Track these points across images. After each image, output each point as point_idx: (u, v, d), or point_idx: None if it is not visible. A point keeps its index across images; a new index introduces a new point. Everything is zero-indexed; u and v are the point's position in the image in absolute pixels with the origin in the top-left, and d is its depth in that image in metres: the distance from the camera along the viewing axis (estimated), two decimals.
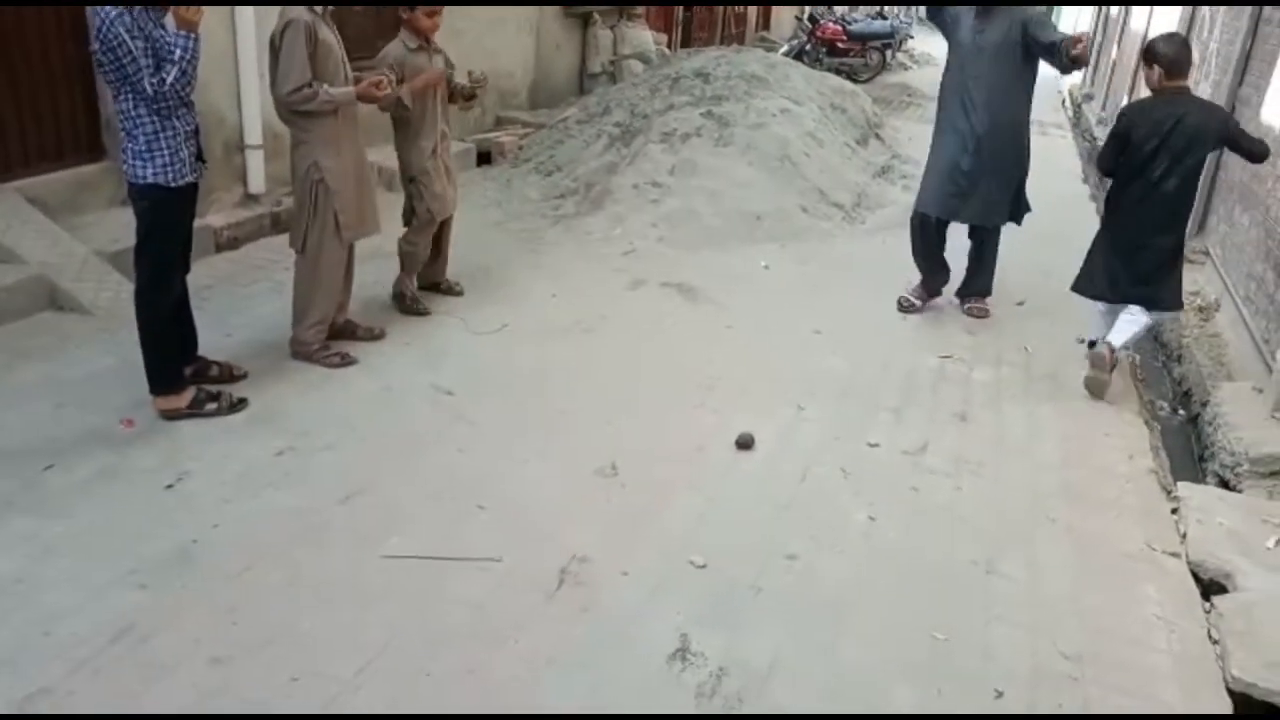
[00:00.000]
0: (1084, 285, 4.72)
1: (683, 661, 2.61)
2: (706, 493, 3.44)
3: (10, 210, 4.73)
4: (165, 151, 3.41)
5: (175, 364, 3.70)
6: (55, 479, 3.19)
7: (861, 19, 18.21)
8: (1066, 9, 27.92)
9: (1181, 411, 4.99)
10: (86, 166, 5.32)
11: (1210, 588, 3.18)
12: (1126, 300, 4.56)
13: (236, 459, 3.41)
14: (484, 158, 8.18)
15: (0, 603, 2.60)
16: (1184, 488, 3.73)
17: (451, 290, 5.16)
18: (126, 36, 3.18)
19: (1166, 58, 4.33)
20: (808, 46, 16.01)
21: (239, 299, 4.90)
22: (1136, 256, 4.48)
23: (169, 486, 3.21)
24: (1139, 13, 13.07)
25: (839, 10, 20.67)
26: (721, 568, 3.02)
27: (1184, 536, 3.40)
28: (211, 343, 4.14)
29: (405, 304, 4.88)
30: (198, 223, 5.45)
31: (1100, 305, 4.75)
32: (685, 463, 3.63)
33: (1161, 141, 4.26)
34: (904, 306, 5.39)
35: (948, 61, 5.20)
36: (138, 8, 3.23)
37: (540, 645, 2.63)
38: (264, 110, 6.13)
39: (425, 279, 5.11)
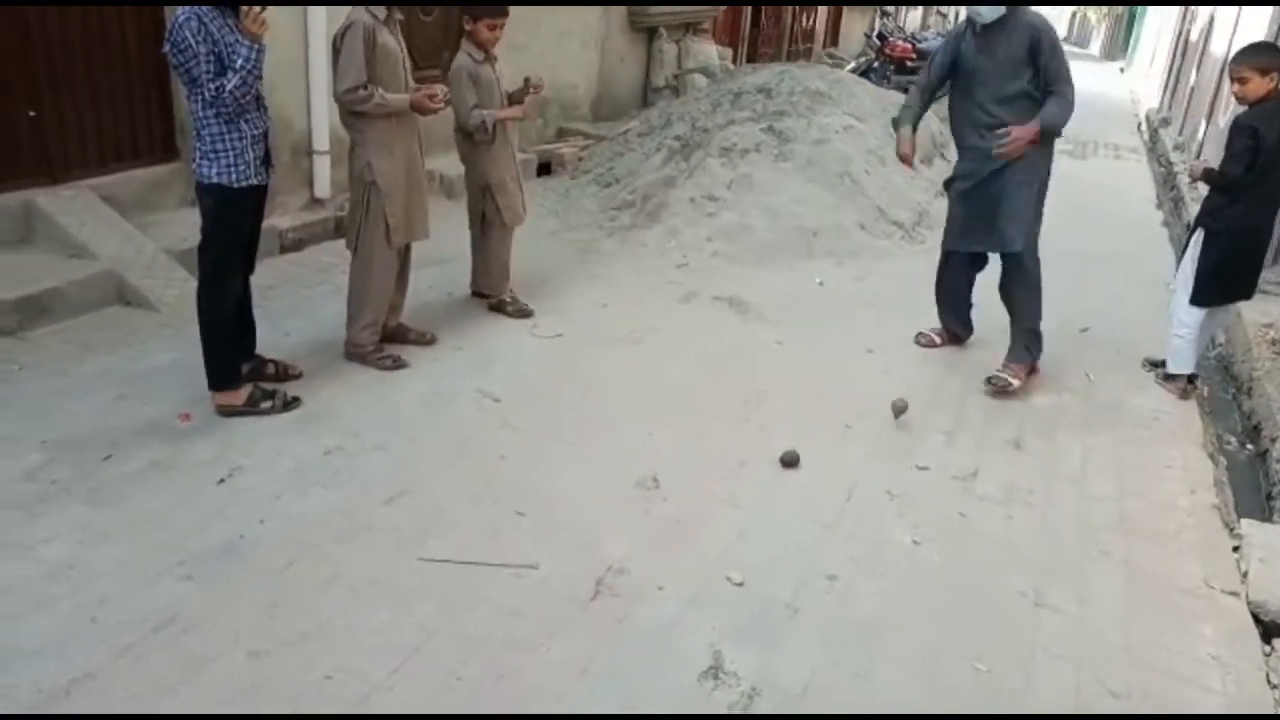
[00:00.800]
0: (1217, 295, 4.63)
1: (715, 679, 2.59)
2: (747, 509, 3.41)
3: (85, 208, 4.90)
4: (230, 153, 3.50)
5: (233, 361, 3.79)
6: (112, 469, 3.29)
7: (931, 37, 17.99)
8: (1148, 25, 27.30)
9: (1250, 446, 4.80)
10: (160, 167, 5.50)
11: (1271, 630, 3.05)
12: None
13: (287, 456, 3.48)
14: (544, 168, 8.26)
15: (51, 588, 2.68)
16: (1247, 525, 3.58)
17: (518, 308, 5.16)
18: (193, 40, 3.28)
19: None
20: (876, 64, 15.86)
21: (299, 300, 5.01)
22: (1262, 252, 4.66)
23: (221, 481, 3.29)
24: (1220, 36, 12.70)
25: (909, 27, 20.48)
26: (759, 586, 2.99)
27: (1245, 575, 3.27)
28: (270, 342, 4.23)
29: (508, 310, 4.99)
30: (264, 224, 5.63)
31: (1189, 327, 4.65)
32: (727, 478, 3.60)
33: None
34: (921, 342, 5.10)
35: (951, 89, 4.72)
36: (213, 11, 3.33)
37: (572, 655, 2.63)
38: (331, 117, 6.26)
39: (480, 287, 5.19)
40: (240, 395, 3.73)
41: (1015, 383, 4.53)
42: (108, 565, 2.80)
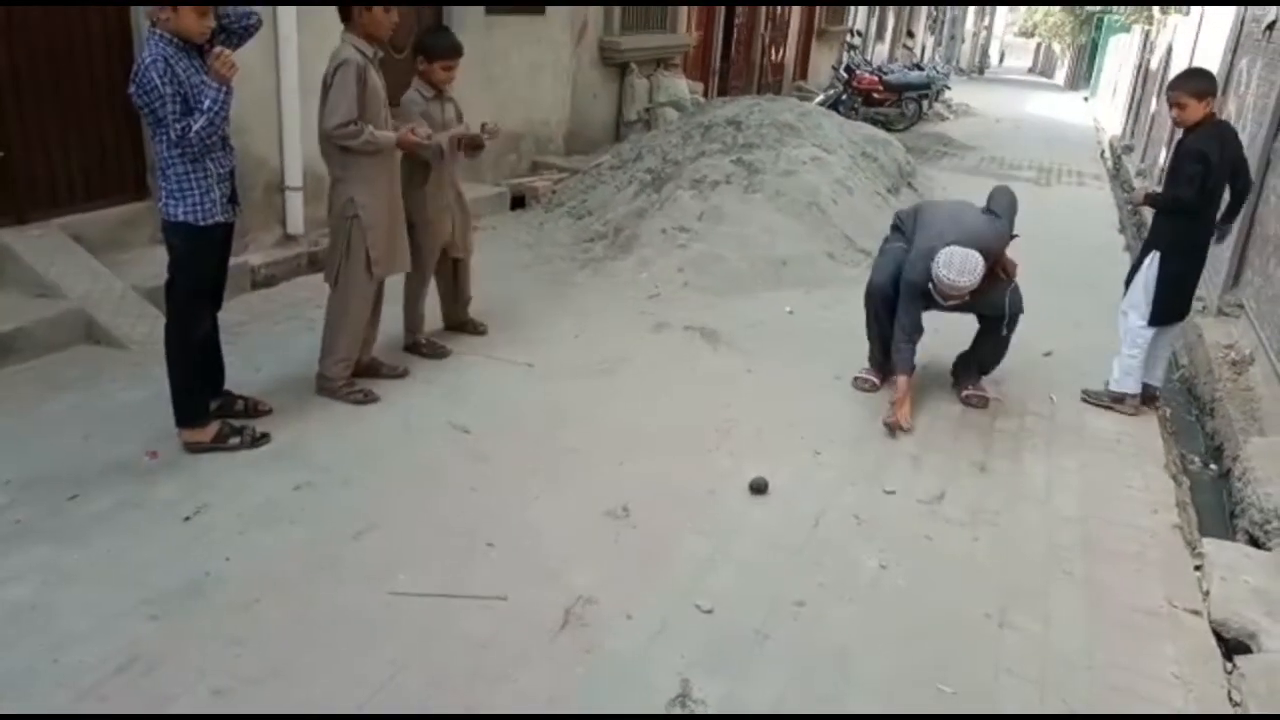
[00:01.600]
0: (1173, 314, 4.77)
1: (682, 707, 2.60)
2: (716, 537, 3.43)
3: (55, 246, 4.90)
4: (196, 191, 3.52)
5: (201, 398, 3.79)
6: (77, 508, 3.27)
7: (898, 69, 18.32)
8: (1110, 55, 27.89)
9: (1213, 466, 4.88)
10: (130, 205, 5.49)
11: (1233, 648, 3.09)
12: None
13: (255, 492, 3.47)
14: (518, 201, 8.31)
15: (13, 628, 2.66)
16: (1209, 544, 3.64)
17: (476, 330, 5.23)
18: (159, 81, 3.29)
19: (1214, 85, 4.63)
20: (844, 96, 16.13)
21: (271, 336, 5.01)
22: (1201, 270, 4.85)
23: (187, 519, 3.27)
24: (1178, 65, 13.01)
25: (875, 60, 20.83)
26: (728, 613, 3.00)
27: (1207, 594, 3.32)
28: (240, 378, 4.23)
29: (420, 350, 4.91)
30: (236, 260, 5.62)
31: (1141, 348, 4.75)
32: (697, 506, 3.62)
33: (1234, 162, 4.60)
34: (862, 386, 4.89)
35: None
36: (179, 52, 3.36)
37: (540, 685, 2.63)
38: (305, 153, 6.30)
39: (449, 319, 5.22)
40: (208, 432, 3.72)
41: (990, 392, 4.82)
42: (71, 605, 2.78)
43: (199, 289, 3.70)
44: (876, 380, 4.89)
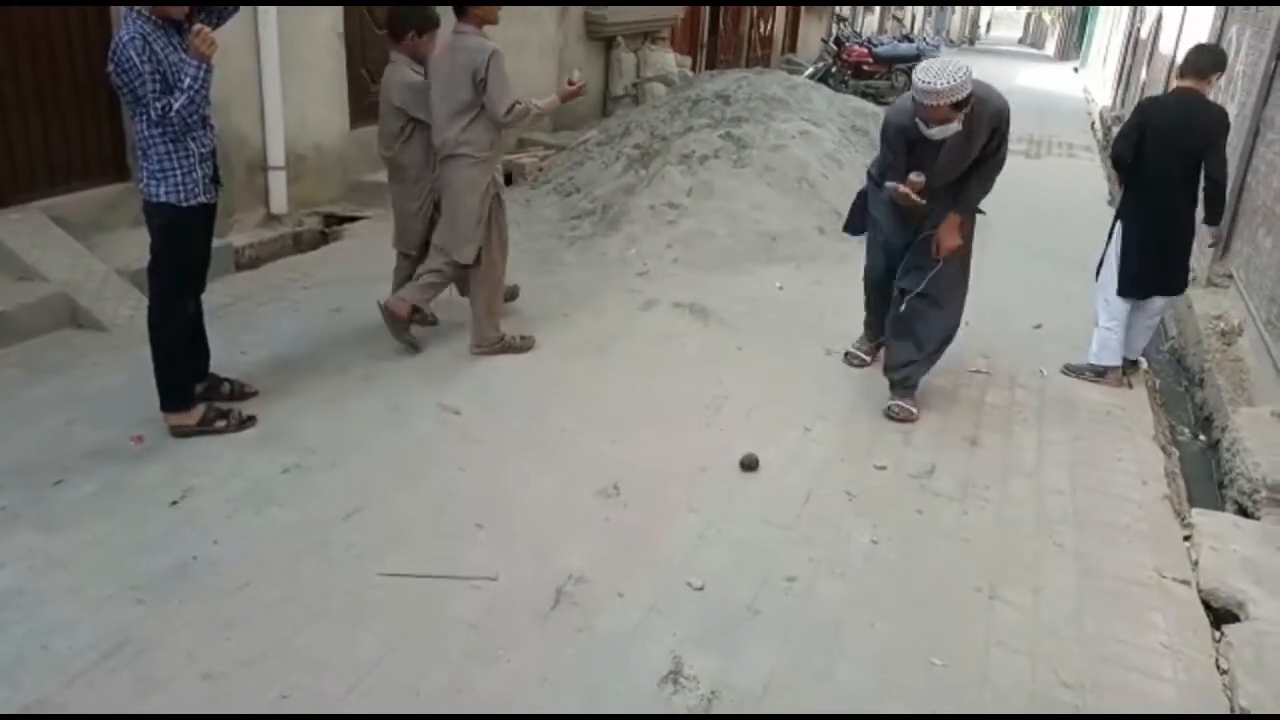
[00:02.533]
0: (1140, 286, 4.76)
1: (674, 684, 2.59)
2: (707, 514, 3.42)
3: (35, 229, 4.84)
4: (178, 172, 3.47)
5: (186, 381, 3.75)
6: (63, 494, 3.24)
7: (888, 42, 18.20)
8: (1100, 24, 27.80)
9: (1203, 437, 4.90)
10: (111, 186, 5.44)
11: (1221, 617, 3.11)
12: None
13: (242, 476, 3.45)
14: (505, 179, 8.25)
15: (1, 615, 2.64)
16: (1198, 514, 3.66)
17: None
18: (137, 60, 3.24)
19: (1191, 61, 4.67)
20: (833, 69, 16.04)
21: (255, 317, 4.97)
22: (1174, 246, 4.77)
23: (174, 503, 3.25)
24: (1168, 33, 12.96)
25: (865, 32, 20.69)
26: (719, 589, 3.00)
27: (1196, 564, 3.33)
28: (226, 360, 4.20)
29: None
30: (219, 241, 5.58)
31: (1117, 320, 4.77)
32: (688, 483, 3.61)
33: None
34: (852, 362, 4.83)
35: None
36: (157, 30, 3.30)
37: (532, 665, 2.62)
38: (286, 132, 6.25)
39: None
40: (194, 415, 3.69)
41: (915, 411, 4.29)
42: (59, 591, 2.76)
43: (182, 271, 3.66)
44: (867, 357, 4.85)
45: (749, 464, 3.74)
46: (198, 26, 3.32)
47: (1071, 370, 4.92)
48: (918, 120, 3.86)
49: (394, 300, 4.54)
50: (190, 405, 3.70)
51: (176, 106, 3.31)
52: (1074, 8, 36.98)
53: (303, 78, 6.37)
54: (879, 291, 4.63)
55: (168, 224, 3.54)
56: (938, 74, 3.68)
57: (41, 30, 4.91)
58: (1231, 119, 5.64)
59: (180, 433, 3.66)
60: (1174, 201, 4.59)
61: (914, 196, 3.96)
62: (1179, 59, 5.17)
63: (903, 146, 4.02)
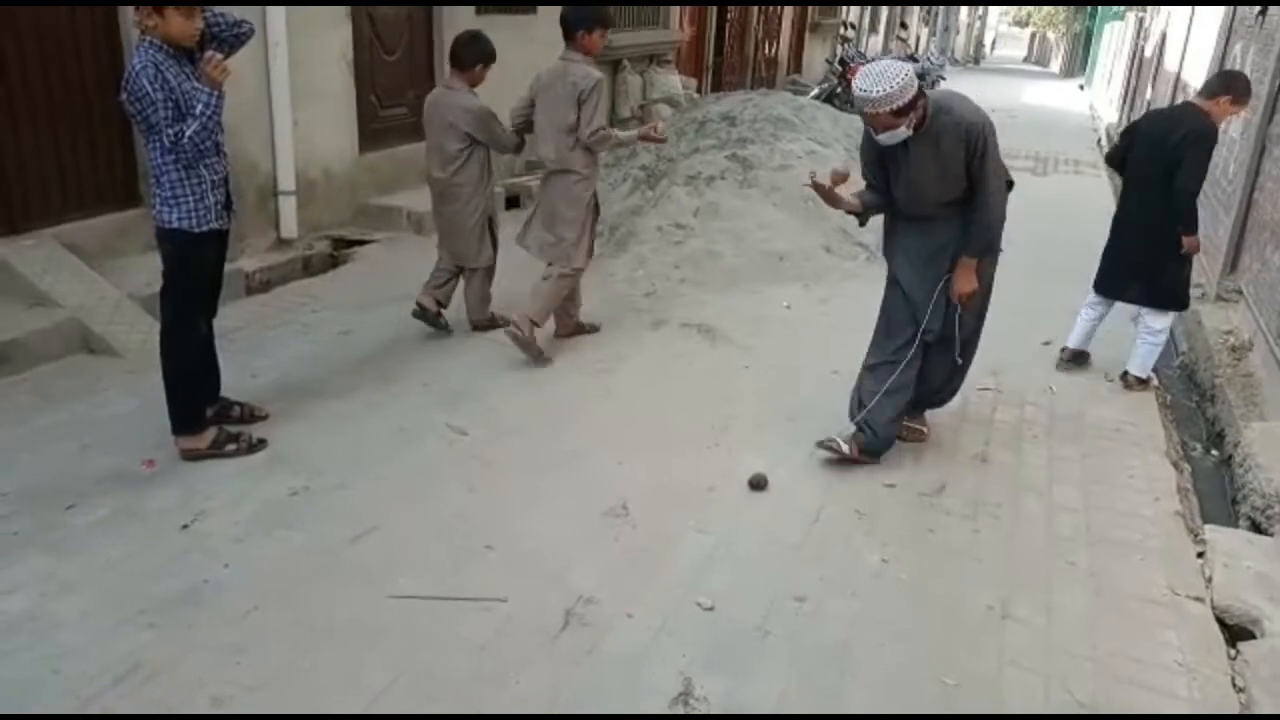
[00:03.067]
0: (1099, 282, 5.14)
1: (684, 705, 2.58)
2: (716, 534, 3.42)
3: (47, 256, 4.88)
4: (190, 198, 3.50)
5: (197, 405, 3.77)
6: (75, 518, 3.26)
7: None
8: (1105, 42, 27.88)
9: (1215, 452, 4.87)
10: (123, 212, 5.48)
11: (1236, 634, 3.08)
12: None
13: (252, 499, 3.46)
14: (513, 201, 8.30)
15: (13, 640, 2.65)
16: (1211, 531, 3.63)
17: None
18: (149, 88, 3.28)
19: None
20: (839, 89, 16.05)
21: (265, 341, 4.99)
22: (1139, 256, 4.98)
23: (185, 526, 3.26)
24: (1172, 51, 12.99)
25: (870, 53, 20.78)
26: (729, 610, 2.99)
27: (1209, 581, 3.31)
28: (236, 383, 4.22)
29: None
30: (230, 266, 5.60)
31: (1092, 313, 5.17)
32: (696, 503, 3.61)
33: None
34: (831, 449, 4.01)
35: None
36: (169, 58, 3.34)
37: (541, 687, 2.62)
38: (296, 157, 6.31)
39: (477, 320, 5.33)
40: (205, 439, 3.71)
41: (846, 450, 3.92)
42: (70, 616, 2.76)
43: (194, 296, 3.69)
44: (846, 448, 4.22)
45: (758, 483, 3.74)
46: (210, 54, 3.37)
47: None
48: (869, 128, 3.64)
49: (520, 319, 4.71)
50: (202, 429, 3.72)
51: (189, 133, 3.35)
52: (1078, 26, 37.12)
53: (312, 103, 6.44)
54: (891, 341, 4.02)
55: (180, 250, 3.57)
56: (875, 80, 3.42)
57: (54, 58, 4.97)
58: (1237, 136, 5.65)
59: (191, 456, 3.68)
60: (1151, 207, 4.73)
61: (825, 186, 3.75)
62: (1183, 76, 5.24)
63: (873, 156, 3.80)
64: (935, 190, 3.73)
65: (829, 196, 3.81)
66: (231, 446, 3.75)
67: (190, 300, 3.68)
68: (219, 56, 3.38)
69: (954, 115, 3.61)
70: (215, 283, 3.85)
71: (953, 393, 4.30)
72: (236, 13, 3.69)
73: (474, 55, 4.93)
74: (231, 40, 3.65)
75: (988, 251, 3.85)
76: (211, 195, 3.57)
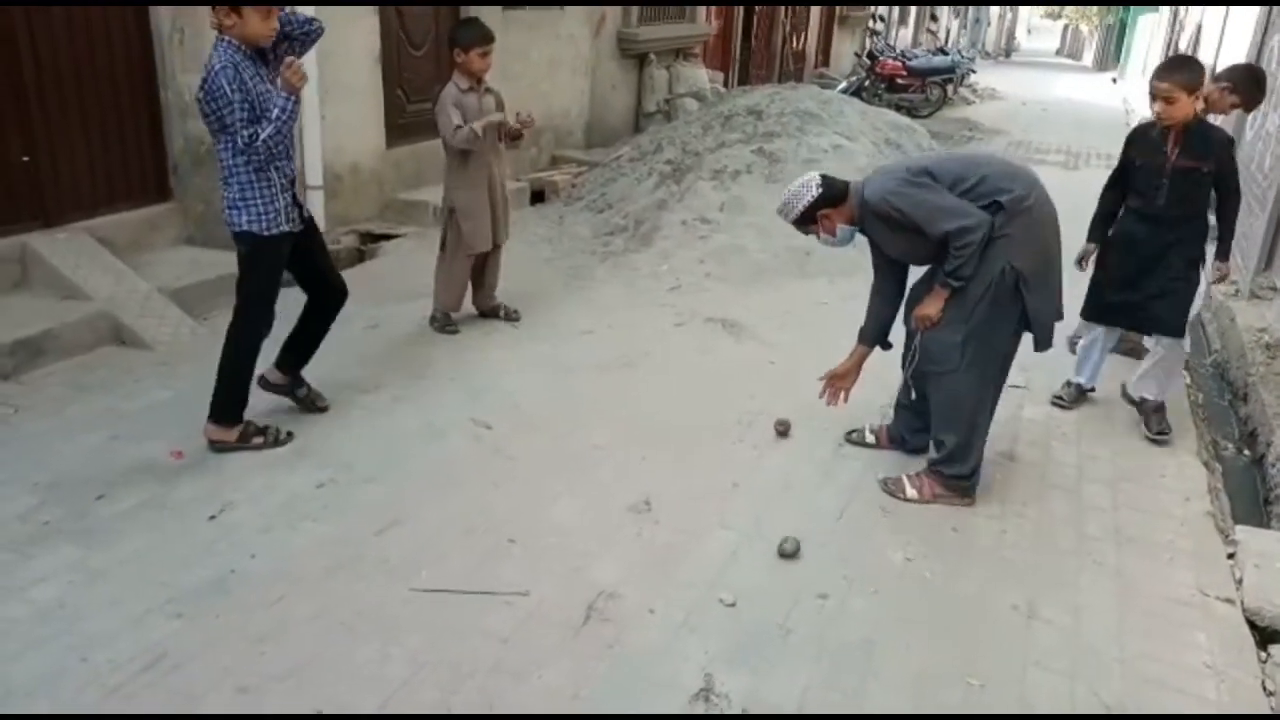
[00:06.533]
0: (1087, 307, 4.62)
1: (705, 702, 2.58)
2: (740, 530, 3.40)
3: (79, 249, 4.95)
4: (260, 201, 3.54)
5: (241, 400, 3.78)
6: (104, 508, 3.30)
7: (922, 55, 18.13)
8: (1139, 35, 27.49)
9: (1247, 452, 4.79)
10: (154, 207, 5.56)
11: (1267, 637, 3.03)
12: None
13: (278, 491, 3.49)
14: (538, 196, 8.32)
15: (41, 628, 2.69)
16: (1242, 531, 3.57)
17: (508, 316, 5.36)
18: (228, 89, 3.31)
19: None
20: (867, 83, 15.99)
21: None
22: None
23: (212, 517, 3.30)
24: (1207, 44, 12.77)
25: (899, 46, 20.62)
26: (751, 606, 2.98)
27: (1240, 582, 3.25)
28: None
29: (437, 327, 5.15)
30: None
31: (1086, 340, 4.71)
32: (720, 499, 3.60)
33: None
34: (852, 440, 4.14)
35: None
36: (245, 60, 3.38)
37: (563, 681, 2.62)
38: (324, 152, 6.35)
39: (479, 307, 5.36)
40: (234, 433, 3.74)
41: (911, 493, 3.71)
42: (98, 605, 2.80)
43: (262, 297, 3.72)
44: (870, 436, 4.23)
45: (787, 553, 3.27)
46: (290, 59, 3.39)
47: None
48: None
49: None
50: (235, 423, 3.75)
51: (264, 136, 3.38)
52: (1111, 18, 36.60)
53: (340, 99, 6.47)
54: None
55: (250, 252, 3.63)
56: (782, 201, 3.64)
57: (84, 54, 5.04)
58: (1272, 130, 5.54)
59: (219, 448, 3.71)
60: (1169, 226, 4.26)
61: (838, 387, 3.94)
62: (1218, 69, 5.05)
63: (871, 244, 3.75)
64: (920, 254, 3.61)
65: (843, 382, 3.95)
66: (259, 440, 3.78)
67: (258, 301, 3.71)
68: (299, 62, 3.41)
69: (862, 200, 3.55)
70: (320, 268, 3.93)
71: (921, 447, 3.90)
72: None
73: (450, 44, 4.92)
74: (303, 38, 3.66)
75: (958, 282, 3.45)
76: (280, 198, 3.59)
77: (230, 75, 3.31)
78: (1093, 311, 4.54)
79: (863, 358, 3.91)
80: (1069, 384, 4.69)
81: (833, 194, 3.56)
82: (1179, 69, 4.13)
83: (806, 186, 3.58)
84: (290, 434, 3.87)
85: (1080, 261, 4.58)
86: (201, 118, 3.47)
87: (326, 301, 4.00)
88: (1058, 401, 4.64)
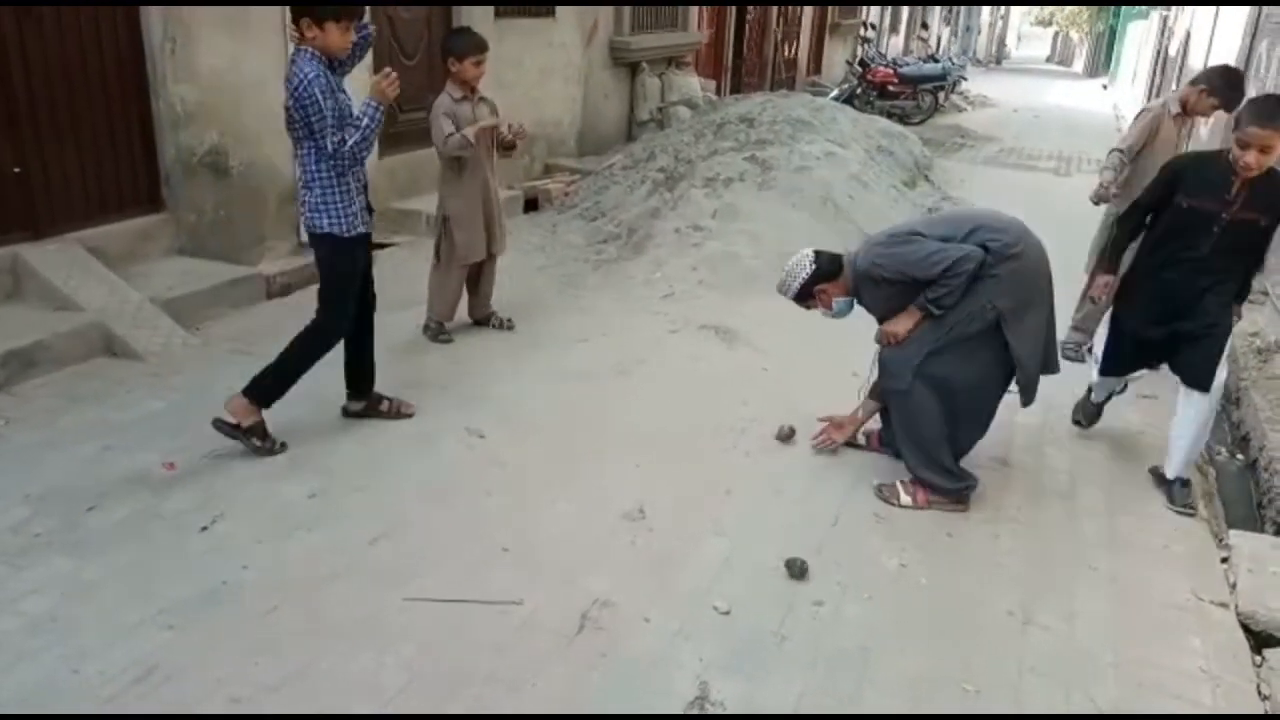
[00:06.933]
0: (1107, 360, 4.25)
1: (700, 710, 2.57)
2: (734, 537, 3.40)
3: (71, 260, 4.93)
4: (340, 204, 3.66)
5: (282, 393, 3.85)
6: (96, 520, 3.28)
7: (913, 62, 18.20)
8: (1129, 41, 27.65)
9: (1240, 456, 4.81)
10: (146, 218, 5.52)
11: (1262, 640, 3.04)
12: None
13: (270, 501, 3.47)
14: (531, 204, 8.32)
15: (33, 640, 2.67)
16: (1236, 536, 3.58)
17: (502, 325, 5.36)
18: (320, 97, 3.43)
19: None
20: (859, 90, 16.05)
21: (286, 344, 5.00)
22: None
23: (204, 528, 3.28)
24: (1196, 52, 12.85)
25: (890, 53, 20.71)
26: (745, 614, 2.98)
27: (1234, 586, 3.26)
28: None
29: (430, 335, 5.17)
30: (249, 270, 5.68)
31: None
32: (714, 507, 3.60)
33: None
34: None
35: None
36: (327, 71, 3.50)
37: (557, 690, 2.61)
38: None
39: (473, 315, 5.37)
40: (252, 418, 3.77)
41: (906, 499, 3.70)
42: (90, 616, 2.78)
43: (344, 297, 3.84)
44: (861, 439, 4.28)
45: (796, 570, 3.21)
46: (387, 69, 3.58)
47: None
48: None
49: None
50: (261, 409, 3.79)
51: (350, 143, 3.51)
52: (1101, 25, 36.81)
53: None
54: None
55: (330, 254, 3.75)
56: (779, 280, 3.90)
57: (75, 63, 5.02)
58: None
59: (228, 421, 3.72)
60: (1145, 271, 3.97)
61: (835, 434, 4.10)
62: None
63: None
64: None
65: (840, 433, 4.08)
66: (258, 442, 3.77)
67: (340, 301, 3.83)
68: (395, 74, 3.58)
69: (855, 271, 3.73)
70: (366, 280, 4.00)
71: (899, 454, 3.86)
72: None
73: (444, 54, 4.90)
74: (361, 43, 3.80)
75: (938, 310, 3.54)
76: (357, 201, 3.74)
77: (323, 85, 3.45)
78: (1114, 364, 4.11)
79: (869, 415, 4.07)
80: (1090, 399, 4.41)
81: (828, 269, 3.76)
82: None
83: (800, 264, 3.79)
84: (284, 445, 3.86)
85: (1094, 297, 4.28)
86: (288, 125, 3.60)
87: (361, 311, 4.07)
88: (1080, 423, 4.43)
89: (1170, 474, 3.87)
